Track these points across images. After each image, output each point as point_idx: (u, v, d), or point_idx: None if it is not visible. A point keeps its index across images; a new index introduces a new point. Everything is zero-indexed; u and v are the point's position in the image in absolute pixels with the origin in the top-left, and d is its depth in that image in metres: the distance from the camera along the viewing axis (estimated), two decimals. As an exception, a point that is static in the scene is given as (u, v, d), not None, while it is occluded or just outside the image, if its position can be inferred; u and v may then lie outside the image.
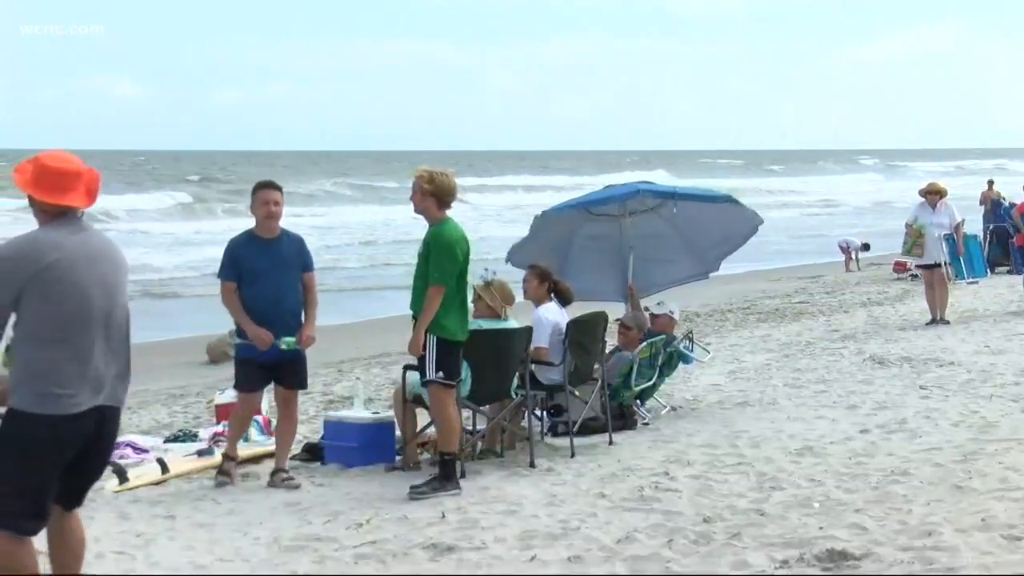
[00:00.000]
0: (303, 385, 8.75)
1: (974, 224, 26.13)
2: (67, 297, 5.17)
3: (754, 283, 24.16)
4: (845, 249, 27.77)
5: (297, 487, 8.34)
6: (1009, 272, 22.65)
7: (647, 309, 11.40)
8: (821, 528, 6.72)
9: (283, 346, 8.35)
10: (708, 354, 12.09)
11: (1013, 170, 78.27)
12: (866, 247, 28.13)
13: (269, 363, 8.42)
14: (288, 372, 8.54)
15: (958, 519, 6.74)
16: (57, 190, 5.26)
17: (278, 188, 8.64)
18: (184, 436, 9.96)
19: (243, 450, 9.28)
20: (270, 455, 8.96)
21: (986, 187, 27.67)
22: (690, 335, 11.49)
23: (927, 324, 16.15)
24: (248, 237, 8.54)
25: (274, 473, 8.51)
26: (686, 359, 11.24)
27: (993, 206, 25.60)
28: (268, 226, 8.49)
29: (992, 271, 23.44)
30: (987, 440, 8.91)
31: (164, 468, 8.86)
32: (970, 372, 12.13)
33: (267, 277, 8.33)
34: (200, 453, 9.35)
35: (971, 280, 17.84)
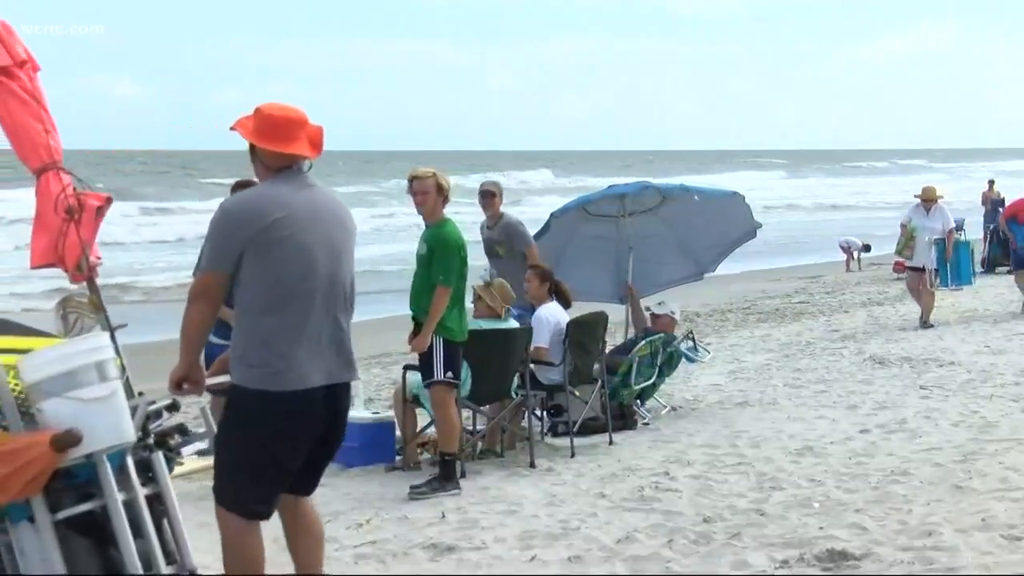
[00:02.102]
0: None
1: (976, 225, 26.19)
2: (291, 259, 4.83)
3: (754, 283, 24.14)
4: (846, 249, 27.81)
5: None
6: (1009, 272, 22.65)
7: (648, 309, 11.42)
8: (821, 528, 6.72)
9: None
10: (708, 354, 12.11)
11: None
12: (867, 248, 28.17)
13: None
14: None
15: (958, 519, 6.74)
16: (281, 139, 4.92)
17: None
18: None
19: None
20: None
21: (987, 187, 27.70)
22: (691, 335, 11.51)
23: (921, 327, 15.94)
24: None
25: None
26: (688, 359, 11.27)
27: (994, 206, 25.66)
28: None
29: (992, 271, 23.48)
30: (987, 440, 8.91)
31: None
32: (970, 372, 12.13)
33: None
34: (200, 453, 9.34)
35: (955, 287, 17.73)
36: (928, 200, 16.62)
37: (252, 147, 5.00)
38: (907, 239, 16.47)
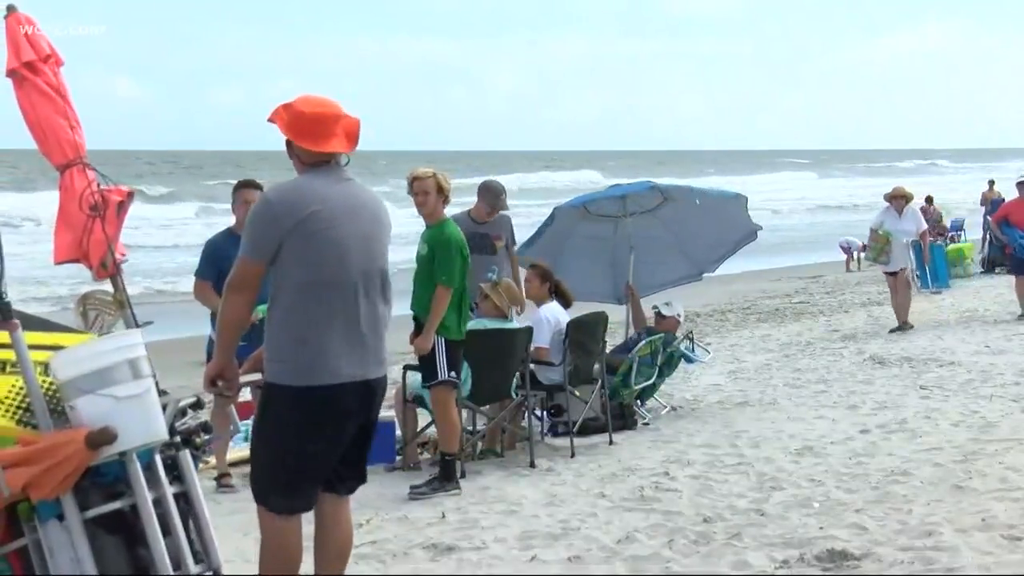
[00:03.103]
0: None
1: (976, 226, 26.19)
2: (326, 253, 4.81)
3: (754, 283, 24.15)
4: (846, 249, 27.82)
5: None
6: (1009, 272, 22.66)
7: (655, 308, 11.41)
8: (821, 528, 6.72)
9: (259, 315, 8.28)
10: (708, 354, 12.12)
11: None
12: (867, 248, 28.18)
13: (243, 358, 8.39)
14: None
15: (958, 519, 6.73)
16: (317, 137, 4.87)
17: (259, 187, 8.64)
18: None
19: (243, 451, 9.28)
20: None
21: (987, 188, 27.70)
22: (690, 335, 11.52)
23: (891, 331, 15.71)
24: (227, 235, 8.50)
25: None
26: (688, 359, 11.27)
27: (994, 207, 25.63)
28: None
29: (992, 271, 23.49)
30: (987, 440, 8.91)
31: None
32: (970, 372, 12.13)
33: None
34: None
35: (935, 290, 17.59)
36: (899, 199, 16.38)
37: (289, 140, 4.98)
38: (882, 244, 16.05)
